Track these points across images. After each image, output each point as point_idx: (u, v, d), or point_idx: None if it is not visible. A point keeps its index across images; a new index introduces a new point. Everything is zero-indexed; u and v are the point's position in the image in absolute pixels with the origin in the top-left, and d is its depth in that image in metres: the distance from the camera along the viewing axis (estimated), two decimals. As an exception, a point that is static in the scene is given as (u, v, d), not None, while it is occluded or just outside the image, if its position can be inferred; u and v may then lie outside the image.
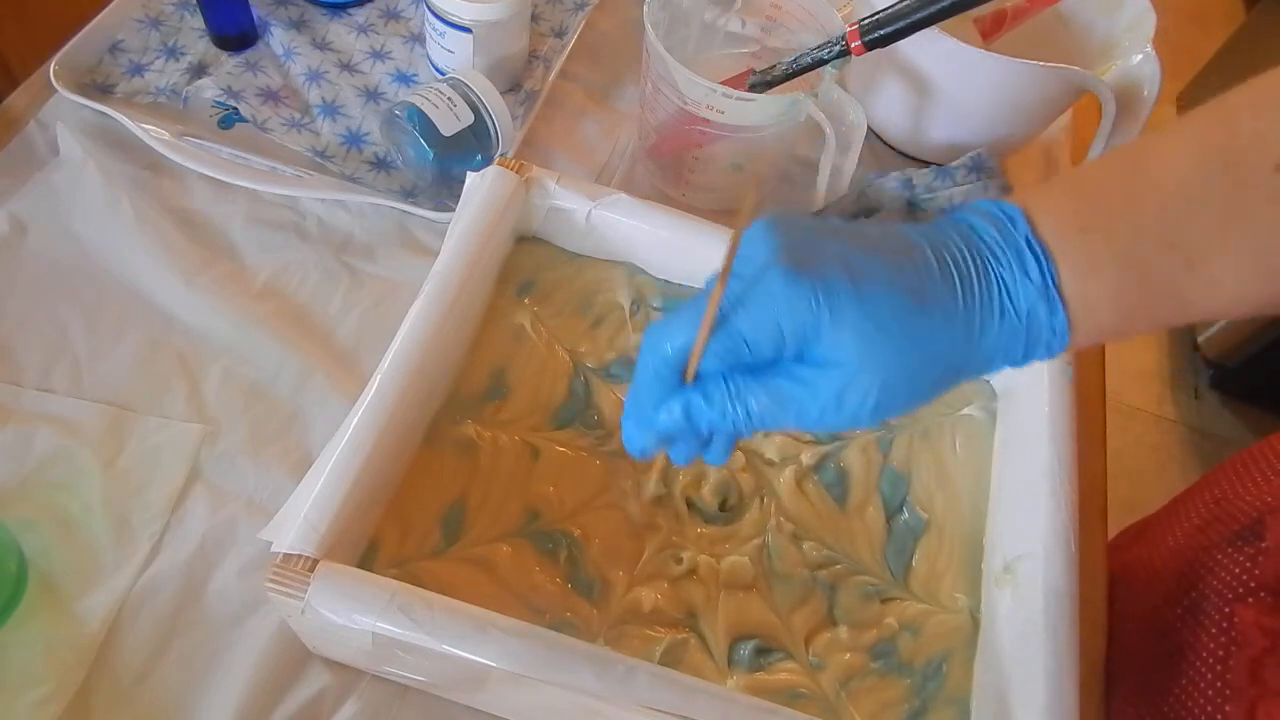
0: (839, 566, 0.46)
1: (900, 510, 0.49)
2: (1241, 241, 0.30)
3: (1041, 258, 0.31)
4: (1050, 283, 0.31)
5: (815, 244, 0.31)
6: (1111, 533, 0.59)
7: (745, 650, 0.43)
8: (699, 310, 0.31)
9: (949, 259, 0.31)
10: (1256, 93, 0.30)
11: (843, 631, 0.45)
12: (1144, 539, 0.62)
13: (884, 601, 0.46)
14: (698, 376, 0.32)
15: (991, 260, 0.31)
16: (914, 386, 0.31)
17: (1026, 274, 0.31)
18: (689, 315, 0.31)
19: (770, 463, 0.49)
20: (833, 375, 0.30)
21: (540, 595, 0.43)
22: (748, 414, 0.31)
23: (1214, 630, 0.48)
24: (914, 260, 0.31)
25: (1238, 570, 0.49)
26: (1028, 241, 0.31)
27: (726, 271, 0.30)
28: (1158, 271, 0.31)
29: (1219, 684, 0.46)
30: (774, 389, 0.31)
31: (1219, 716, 0.46)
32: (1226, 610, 0.48)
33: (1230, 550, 0.51)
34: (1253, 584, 0.48)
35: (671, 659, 0.42)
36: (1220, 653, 0.47)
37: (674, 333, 0.32)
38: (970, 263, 0.31)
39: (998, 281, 0.31)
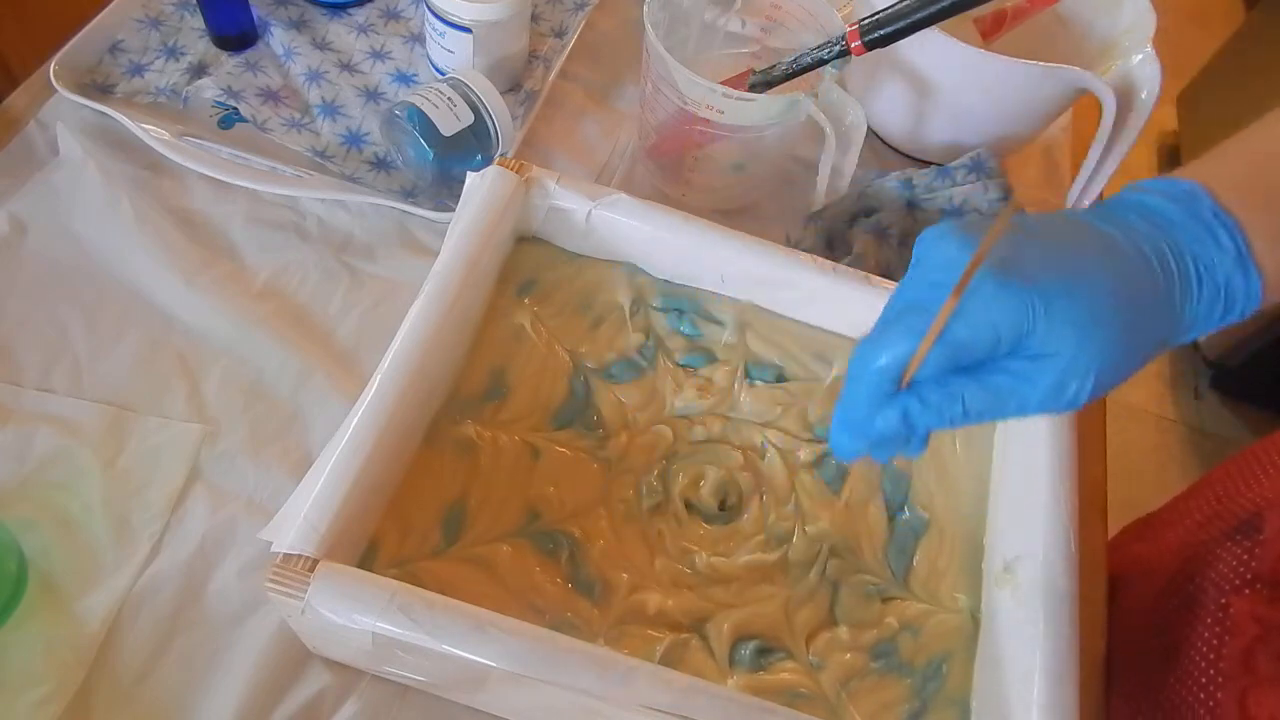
0: (842, 560, 0.47)
1: (901, 509, 0.49)
2: None
3: (1232, 229, 0.32)
4: (1243, 251, 0.32)
5: (1013, 247, 0.32)
6: (1111, 532, 0.59)
7: (745, 650, 0.43)
8: (912, 322, 0.32)
9: (1141, 239, 0.32)
10: None
11: (843, 631, 0.45)
12: (1146, 536, 0.62)
13: (884, 601, 0.46)
14: (911, 382, 0.33)
15: (1183, 235, 0.32)
16: (1127, 365, 0.32)
17: (1219, 244, 0.32)
18: (901, 328, 0.32)
19: (768, 460, 0.49)
20: (1050, 367, 0.31)
21: (541, 595, 0.43)
22: (965, 412, 0.32)
23: (1209, 620, 0.49)
24: (1111, 248, 0.32)
25: (1235, 563, 0.50)
26: (1215, 213, 0.32)
27: (963, 285, 0.31)
28: None
29: (1211, 672, 0.47)
30: (991, 386, 0.32)
31: (1211, 704, 0.46)
32: (1222, 601, 0.49)
33: (1229, 544, 0.51)
34: (1249, 575, 0.48)
35: (672, 659, 0.42)
36: (1214, 642, 0.48)
37: (887, 346, 0.32)
38: (1162, 241, 0.32)
39: (1191, 256, 0.32)
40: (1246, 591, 0.48)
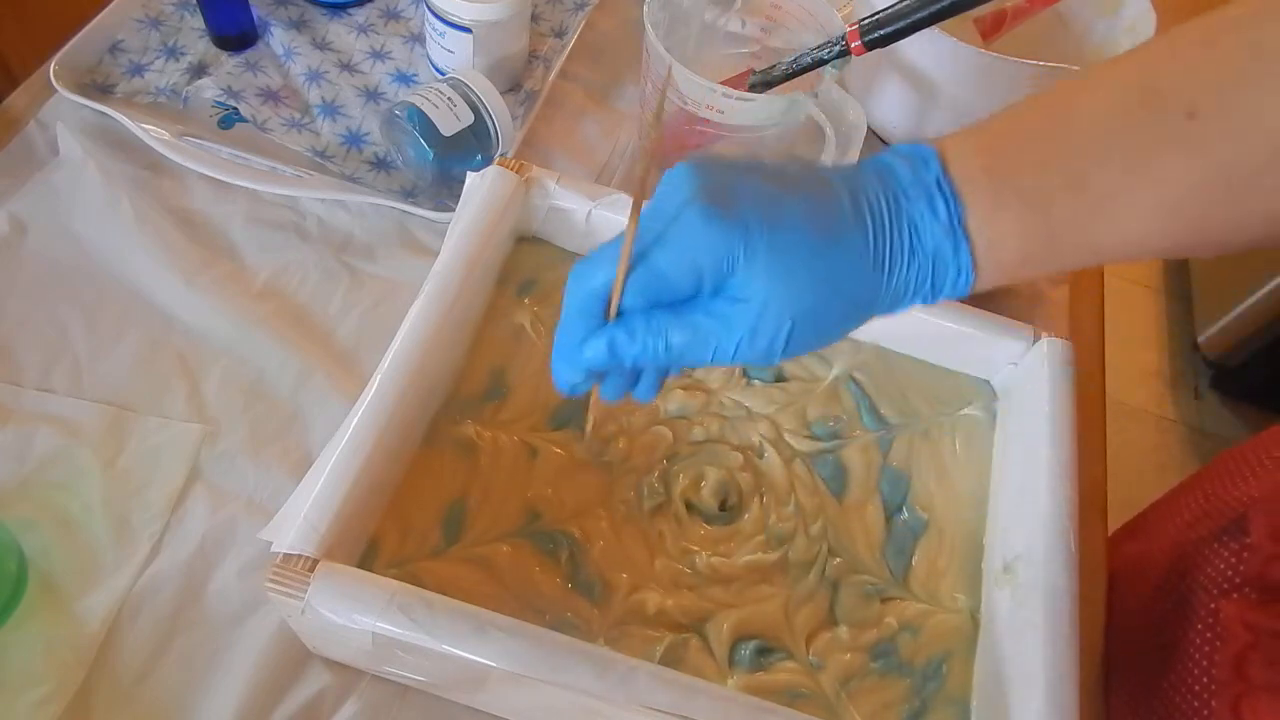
0: (842, 560, 0.47)
1: (900, 510, 0.49)
2: (1150, 186, 0.30)
3: (950, 196, 0.32)
4: (955, 221, 0.32)
5: (735, 184, 0.32)
6: (1110, 532, 0.59)
7: (745, 650, 0.43)
8: (614, 249, 0.32)
9: (864, 199, 0.32)
10: (1175, 41, 0.31)
11: (843, 631, 0.45)
12: (1138, 535, 0.62)
13: (884, 601, 0.46)
14: (621, 313, 0.33)
15: (904, 200, 0.32)
16: (824, 321, 0.32)
17: (934, 212, 0.32)
18: (611, 252, 0.32)
19: (767, 459, 0.49)
20: (746, 310, 0.31)
21: (540, 595, 0.43)
22: (668, 348, 0.32)
23: (1200, 626, 0.49)
24: (829, 200, 0.32)
25: (1223, 566, 0.50)
26: (937, 182, 0.32)
27: (636, 210, 0.31)
28: (1064, 213, 0.31)
29: (1205, 679, 0.47)
30: (692, 324, 0.32)
31: (1205, 711, 0.46)
32: (1212, 606, 0.49)
33: (1216, 545, 0.51)
34: (1237, 579, 0.48)
35: (672, 659, 0.42)
36: (1206, 648, 0.48)
37: (596, 269, 0.33)
38: (883, 203, 0.32)
39: (908, 221, 0.32)
40: (1235, 595, 0.48)
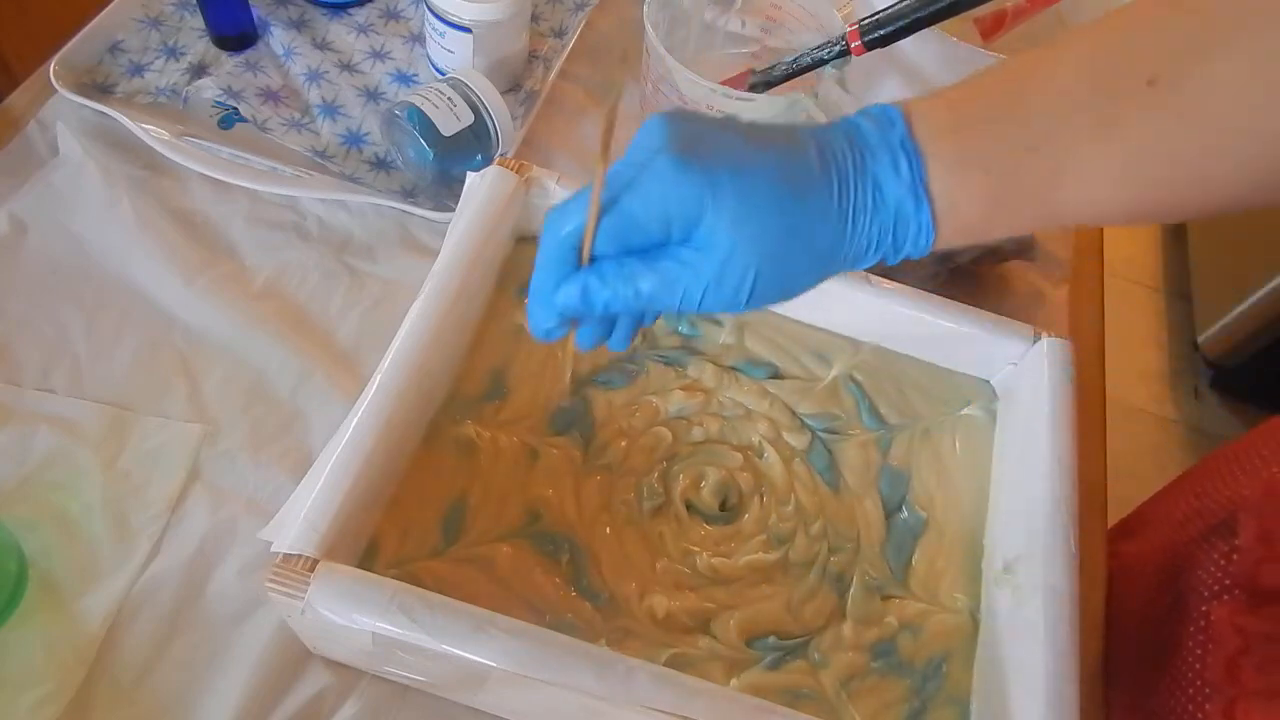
0: (842, 558, 0.47)
1: (900, 509, 0.49)
2: (1111, 152, 0.31)
3: (912, 155, 0.32)
4: (918, 179, 0.32)
5: (706, 135, 0.32)
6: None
7: (748, 650, 0.43)
8: (586, 195, 0.33)
9: (831, 155, 0.33)
10: (1126, 14, 0.32)
11: (846, 629, 0.45)
12: (1132, 534, 0.62)
13: (884, 599, 0.46)
14: (593, 259, 0.34)
15: (869, 158, 0.33)
16: (788, 271, 0.33)
17: (897, 171, 0.32)
18: (583, 199, 0.33)
19: (766, 459, 0.49)
20: (712, 257, 0.32)
21: (540, 596, 0.43)
22: (638, 293, 0.33)
23: (1192, 628, 0.49)
24: (797, 154, 0.33)
25: (1213, 568, 0.50)
26: (901, 142, 0.33)
27: (605, 156, 0.32)
28: (1024, 174, 0.32)
29: (1199, 683, 0.47)
30: (661, 269, 0.33)
31: (1200, 715, 0.46)
32: (1203, 609, 0.49)
33: (1206, 546, 0.51)
34: (1227, 581, 0.49)
35: (674, 660, 0.42)
36: (1198, 650, 0.48)
37: (570, 215, 0.33)
38: (849, 160, 0.33)
39: (872, 178, 0.33)
40: (1225, 598, 0.48)
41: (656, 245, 0.33)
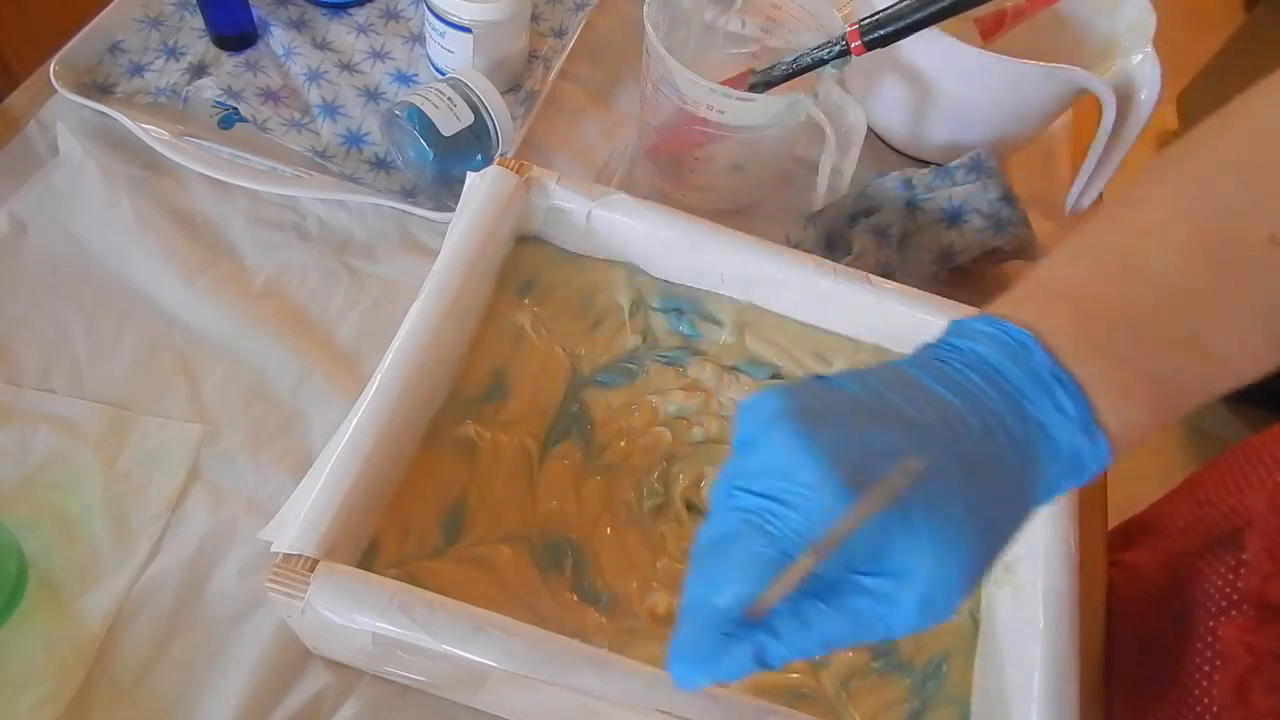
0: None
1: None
2: (1246, 317, 0.30)
3: (1073, 391, 0.30)
4: (1089, 416, 0.30)
5: (863, 443, 0.28)
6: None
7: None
8: (751, 553, 0.28)
9: (987, 415, 0.30)
10: (1237, 155, 0.30)
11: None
12: (1133, 542, 0.62)
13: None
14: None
15: (1027, 404, 0.30)
16: (989, 561, 0.29)
17: (1061, 410, 0.30)
18: (740, 561, 0.28)
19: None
20: (914, 584, 0.28)
21: (541, 596, 0.43)
22: (824, 642, 0.29)
23: (1199, 644, 0.48)
24: (960, 432, 0.29)
25: (1220, 582, 0.49)
26: (1053, 374, 0.30)
27: (835, 542, 0.27)
28: (1181, 374, 0.31)
29: (1206, 700, 0.46)
30: (850, 610, 0.28)
31: None
32: (1211, 625, 0.48)
33: (1212, 559, 0.51)
34: (1235, 597, 0.48)
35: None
36: (1206, 667, 0.47)
37: (726, 585, 0.28)
38: (1007, 412, 0.30)
39: (1036, 424, 0.30)
40: (1234, 614, 0.48)
41: (830, 584, 0.28)
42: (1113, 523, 0.58)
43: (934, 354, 0.32)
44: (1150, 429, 0.31)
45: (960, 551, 0.28)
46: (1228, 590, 0.49)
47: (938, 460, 0.28)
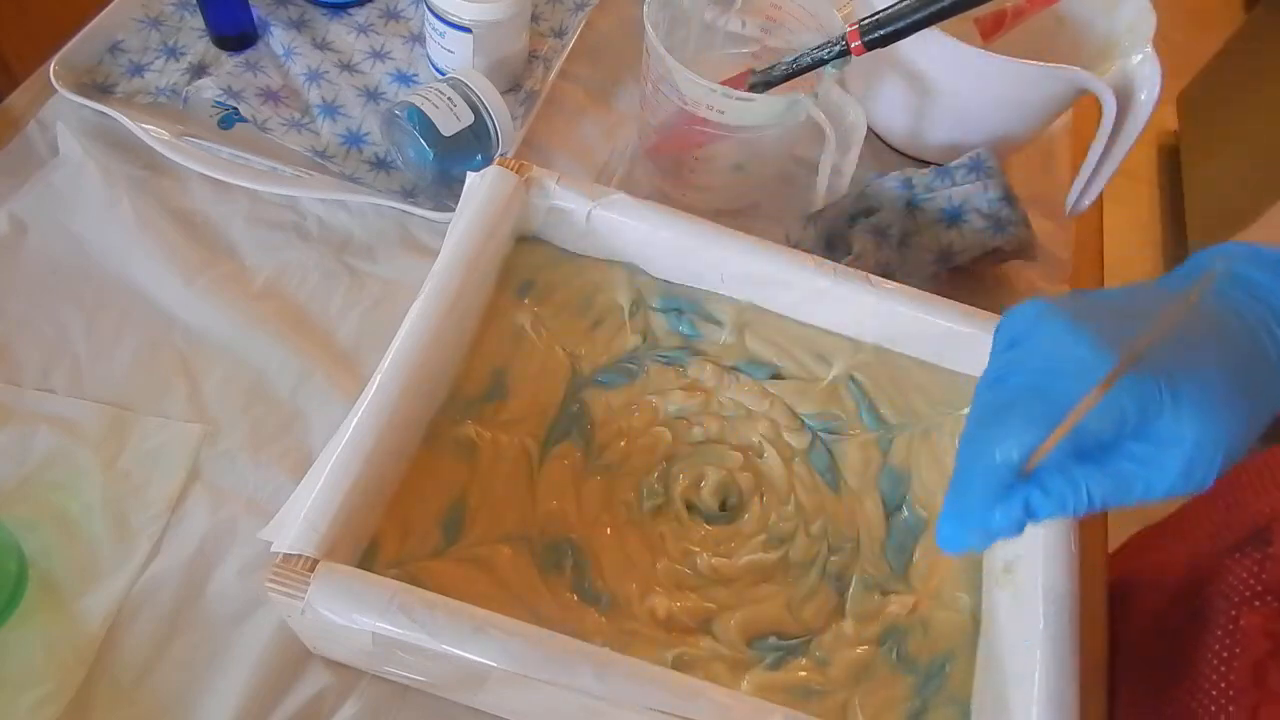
0: (842, 557, 0.47)
1: (900, 509, 0.49)
2: None
3: None
4: None
5: (1117, 328, 0.32)
6: (1113, 532, 0.58)
7: (753, 650, 0.43)
8: (1032, 411, 0.31)
9: (1249, 317, 0.33)
10: None
11: (847, 626, 0.45)
12: (1155, 544, 0.62)
13: (884, 595, 0.46)
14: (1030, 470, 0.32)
15: None
16: (1248, 440, 0.32)
17: None
18: (1021, 417, 0.31)
19: (766, 459, 0.49)
20: (1178, 453, 0.31)
21: (540, 597, 0.43)
22: (1090, 501, 0.32)
23: (1219, 633, 0.48)
24: (1225, 328, 0.33)
25: (1245, 575, 0.49)
26: None
27: (1106, 387, 0.30)
28: None
29: (1222, 685, 0.46)
30: (1116, 472, 0.32)
31: (1222, 718, 0.46)
32: (1232, 614, 0.48)
33: (1238, 556, 0.51)
34: (1259, 588, 0.48)
35: (678, 662, 0.42)
36: (1225, 654, 0.47)
37: (1009, 437, 0.32)
38: (1269, 315, 0.33)
39: None
40: (1257, 604, 0.48)
41: (1100, 446, 0.32)
42: (1112, 521, 0.58)
43: (1182, 271, 0.35)
44: None
45: (1222, 424, 0.31)
46: (1251, 582, 0.49)
47: (1204, 344, 0.32)
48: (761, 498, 0.48)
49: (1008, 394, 0.33)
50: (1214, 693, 0.47)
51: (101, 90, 0.61)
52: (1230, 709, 0.45)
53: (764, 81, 0.58)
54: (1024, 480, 0.32)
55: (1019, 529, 0.32)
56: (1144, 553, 0.61)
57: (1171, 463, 0.31)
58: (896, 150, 0.72)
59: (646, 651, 0.42)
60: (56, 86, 0.58)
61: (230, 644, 0.44)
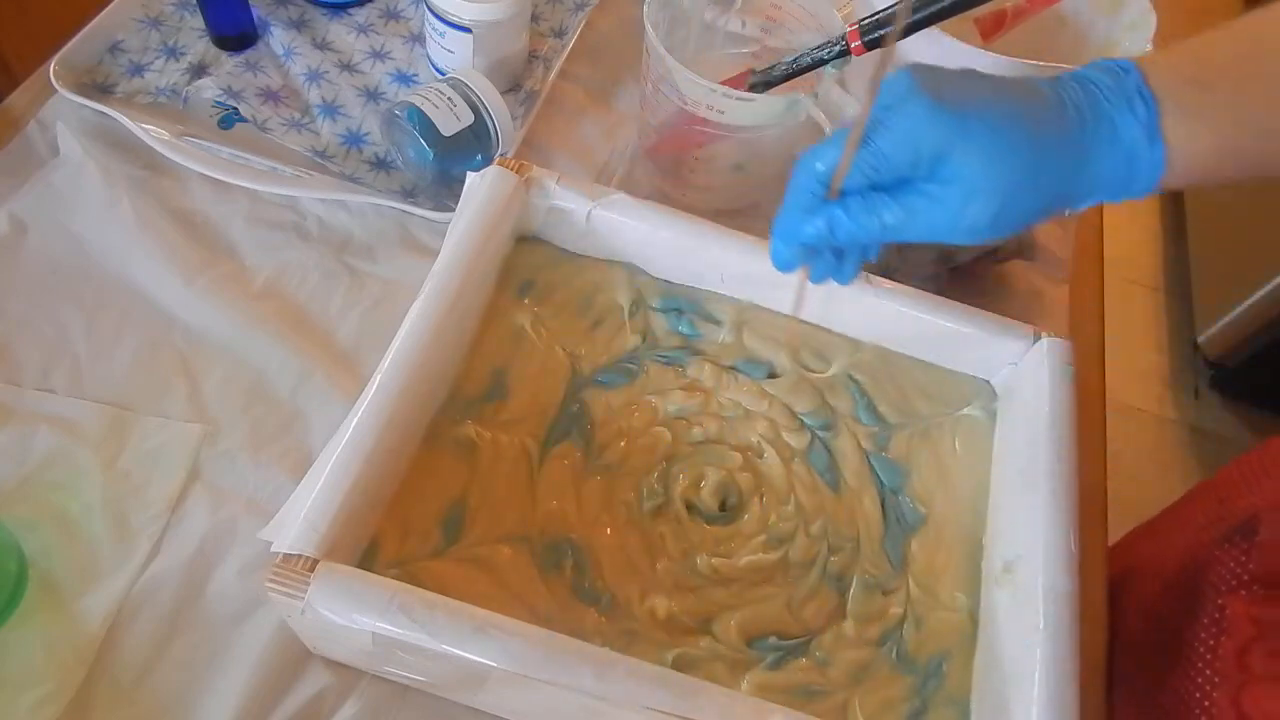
0: (841, 556, 0.47)
1: (898, 504, 0.49)
2: None
3: (1148, 101, 0.35)
4: (1153, 121, 0.35)
5: (952, 80, 0.36)
6: (1113, 532, 0.59)
7: (754, 650, 0.43)
8: (835, 142, 0.36)
9: (1068, 99, 0.36)
10: None
11: (848, 626, 0.45)
12: (1150, 538, 0.62)
13: (885, 594, 0.46)
14: (839, 194, 0.37)
15: (1104, 102, 0.36)
16: (1026, 204, 0.36)
17: (1133, 113, 0.35)
18: (837, 139, 0.36)
19: (766, 459, 0.49)
20: (959, 189, 0.35)
21: (541, 597, 0.43)
22: (883, 226, 0.36)
23: (1206, 621, 0.49)
24: (1036, 98, 0.36)
25: (1232, 564, 0.50)
26: (1138, 88, 0.36)
27: (871, 97, 0.34)
28: (1257, 121, 0.35)
29: (1208, 672, 0.47)
30: (907, 203, 0.36)
31: (1207, 703, 0.46)
32: (1220, 602, 0.49)
33: (1226, 546, 0.51)
34: (1245, 576, 0.49)
35: (678, 662, 0.42)
36: (1211, 641, 0.48)
37: (823, 153, 0.37)
38: (1085, 103, 0.36)
39: (1106, 119, 0.36)
40: (1243, 592, 0.48)
41: (900, 182, 0.36)
42: (1112, 520, 0.59)
43: (1055, 76, 0.38)
44: (1207, 162, 0.36)
45: (1002, 177, 0.34)
46: (1238, 570, 0.49)
47: (1009, 106, 0.35)
48: (761, 498, 0.48)
49: (839, 129, 0.38)
50: (1199, 679, 0.47)
51: (101, 90, 0.61)
52: (1215, 695, 0.46)
53: (764, 81, 0.58)
54: (832, 202, 0.37)
55: (825, 242, 0.38)
56: (1141, 545, 0.62)
57: (951, 199, 0.35)
58: (896, 150, 0.72)
59: (646, 652, 0.42)
60: (56, 86, 0.58)
61: (230, 644, 0.44)
